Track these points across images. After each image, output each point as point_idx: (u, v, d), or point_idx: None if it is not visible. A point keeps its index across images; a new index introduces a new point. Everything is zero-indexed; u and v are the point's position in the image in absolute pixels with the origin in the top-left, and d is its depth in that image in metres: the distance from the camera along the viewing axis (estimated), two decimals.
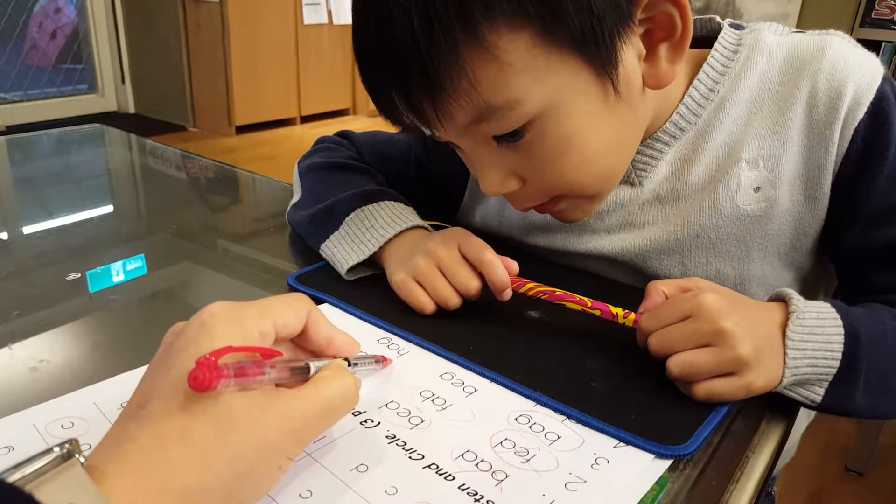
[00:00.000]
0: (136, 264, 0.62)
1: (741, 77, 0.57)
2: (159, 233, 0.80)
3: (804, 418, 0.74)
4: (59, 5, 4.22)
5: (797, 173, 0.56)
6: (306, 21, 4.33)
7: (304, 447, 0.34)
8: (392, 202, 0.64)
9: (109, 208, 0.92)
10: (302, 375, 0.35)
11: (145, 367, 0.34)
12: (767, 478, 0.49)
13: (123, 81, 4.49)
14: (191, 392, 0.30)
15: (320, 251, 0.63)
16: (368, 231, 0.60)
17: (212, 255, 0.74)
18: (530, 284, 0.53)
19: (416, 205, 0.67)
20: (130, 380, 0.43)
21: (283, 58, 4.30)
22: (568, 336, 0.52)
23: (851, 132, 0.53)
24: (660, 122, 0.58)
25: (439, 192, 0.74)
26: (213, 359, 0.29)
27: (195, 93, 4.27)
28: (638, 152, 0.59)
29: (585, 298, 0.51)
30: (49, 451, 0.27)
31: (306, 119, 4.59)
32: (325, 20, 4.45)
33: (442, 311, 0.54)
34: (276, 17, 4.17)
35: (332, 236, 0.62)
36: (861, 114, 0.53)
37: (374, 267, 0.61)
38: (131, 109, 4.55)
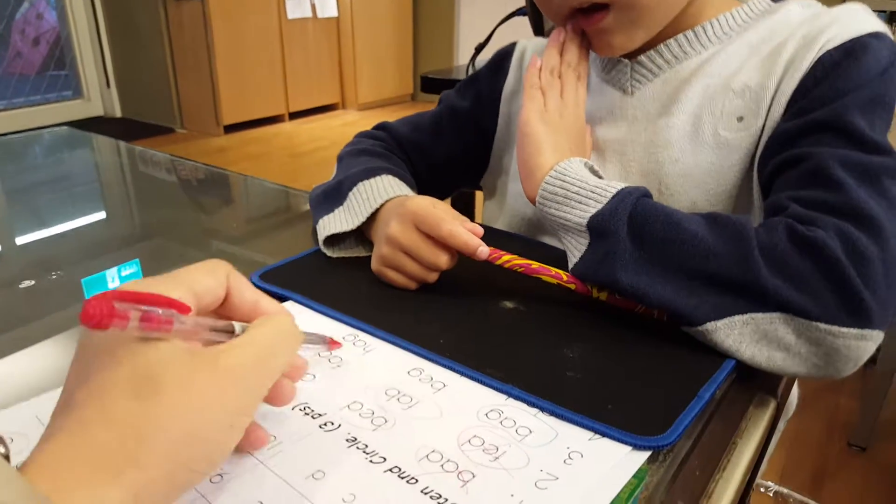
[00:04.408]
0: (131, 269, 0.61)
1: (753, 27, 0.60)
2: (153, 238, 0.79)
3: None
4: (40, 11, 4.17)
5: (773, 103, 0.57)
6: (290, 16, 4.28)
7: (257, 399, 0.31)
8: (389, 176, 0.63)
9: (102, 215, 0.90)
10: (226, 337, 0.32)
11: None
12: (757, 465, 0.47)
13: (108, 85, 4.45)
14: (104, 372, 0.28)
15: (316, 226, 0.64)
16: (364, 203, 0.61)
17: (206, 259, 0.73)
18: (507, 257, 0.52)
19: (455, 158, 0.76)
20: None
21: (268, 54, 4.25)
22: (544, 326, 0.50)
23: (817, 59, 0.54)
24: (672, 31, 0.59)
25: (474, 138, 0.77)
26: (101, 296, 0.27)
27: (181, 94, 4.23)
28: (638, 62, 0.62)
29: (561, 272, 0.51)
30: None
31: (295, 115, 4.54)
32: (309, 14, 4.39)
33: (414, 301, 0.54)
34: (259, 12, 4.11)
35: (336, 210, 0.63)
36: (832, 46, 0.53)
37: (368, 247, 0.61)
38: (118, 113, 4.50)
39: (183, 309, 0.30)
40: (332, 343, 0.45)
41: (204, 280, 0.34)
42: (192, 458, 0.29)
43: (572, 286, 0.51)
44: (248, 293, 0.36)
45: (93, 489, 0.26)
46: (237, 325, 0.33)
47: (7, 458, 0.27)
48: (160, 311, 0.29)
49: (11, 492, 0.23)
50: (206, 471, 0.30)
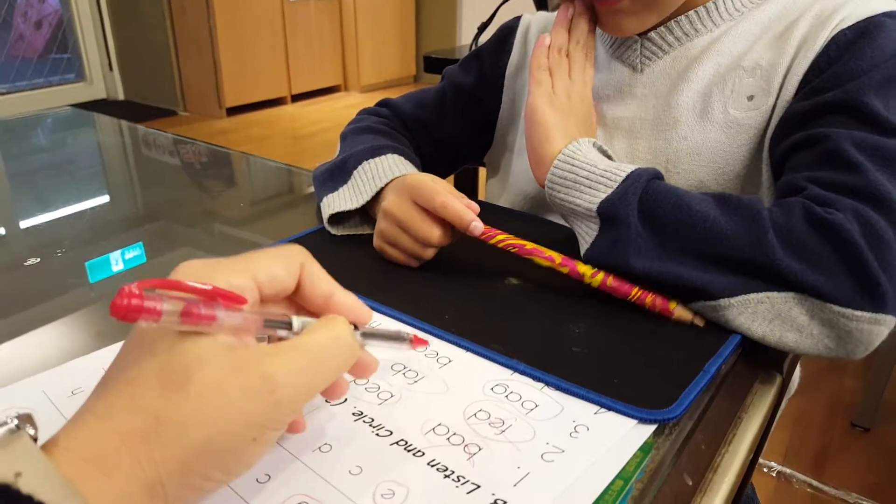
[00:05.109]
0: (134, 252, 0.60)
1: (765, 5, 0.59)
2: (156, 220, 0.78)
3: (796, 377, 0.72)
4: None
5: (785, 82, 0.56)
6: None
7: (289, 414, 0.28)
8: (394, 155, 0.63)
9: (105, 198, 0.89)
10: (283, 331, 0.30)
11: None
12: (763, 440, 0.47)
13: (111, 68, 4.43)
14: (140, 362, 0.27)
15: (320, 204, 0.63)
16: (369, 181, 0.60)
17: (210, 240, 0.73)
18: (501, 236, 0.52)
19: (459, 135, 0.76)
20: None
21: (270, 36, 4.22)
22: (549, 302, 0.50)
23: (831, 38, 0.53)
24: (684, 7, 0.58)
25: (478, 115, 0.76)
26: (137, 285, 0.26)
27: (184, 76, 4.21)
28: (648, 38, 0.61)
29: (555, 254, 0.50)
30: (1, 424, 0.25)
31: (297, 97, 4.52)
32: None
33: (419, 278, 0.53)
34: None
35: (340, 189, 0.62)
36: (846, 25, 0.53)
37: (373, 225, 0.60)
38: (120, 96, 4.49)
39: (236, 301, 0.28)
40: (416, 341, 0.39)
41: (271, 267, 0.31)
42: (207, 467, 0.27)
43: (565, 269, 0.50)
44: (323, 285, 0.33)
45: (112, 476, 0.25)
46: (296, 321, 0.30)
47: (35, 440, 0.26)
48: (201, 305, 0.27)
49: (36, 478, 0.23)
50: (222, 480, 0.28)
